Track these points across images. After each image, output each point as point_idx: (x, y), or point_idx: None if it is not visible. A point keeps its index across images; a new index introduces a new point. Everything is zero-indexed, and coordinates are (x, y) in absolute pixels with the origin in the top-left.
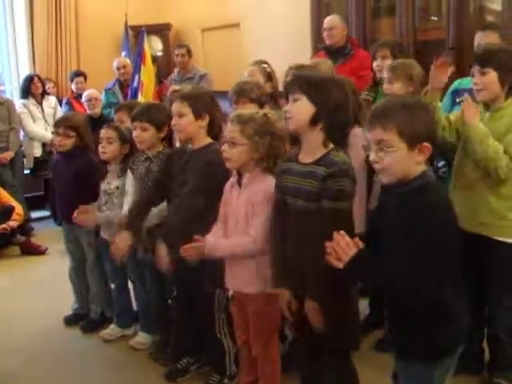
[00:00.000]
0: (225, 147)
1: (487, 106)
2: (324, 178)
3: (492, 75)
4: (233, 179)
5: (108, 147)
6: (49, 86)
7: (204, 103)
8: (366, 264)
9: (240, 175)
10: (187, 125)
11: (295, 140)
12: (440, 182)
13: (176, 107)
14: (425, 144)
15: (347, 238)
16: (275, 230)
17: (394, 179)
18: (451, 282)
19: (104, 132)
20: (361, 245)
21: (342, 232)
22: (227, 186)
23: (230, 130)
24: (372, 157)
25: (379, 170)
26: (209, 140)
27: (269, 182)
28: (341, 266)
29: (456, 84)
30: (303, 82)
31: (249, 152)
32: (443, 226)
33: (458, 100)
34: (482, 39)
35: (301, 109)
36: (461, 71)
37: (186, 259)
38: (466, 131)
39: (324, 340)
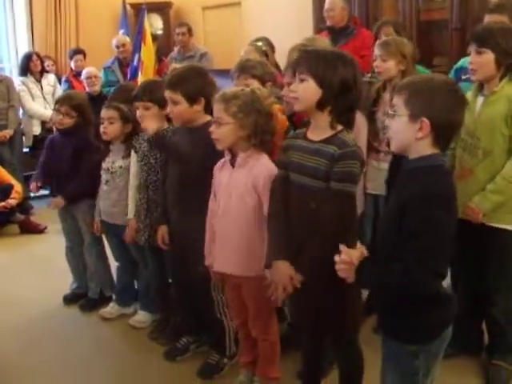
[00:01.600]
0: (212, 128)
1: (481, 87)
2: (335, 157)
3: (489, 56)
4: (225, 159)
5: (109, 127)
6: (48, 63)
7: (196, 86)
8: (371, 273)
9: (233, 155)
10: (181, 112)
11: (306, 123)
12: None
13: (168, 95)
14: (423, 119)
15: (350, 252)
16: (276, 205)
17: (397, 148)
18: (443, 269)
19: (105, 112)
20: (364, 252)
21: (343, 248)
22: (216, 167)
23: (215, 109)
24: (387, 121)
25: (389, 138)
26: (207, 118)
27: (266, 164)
28: (351, 280)
29: (461, 62)
30: (310, 60)
31: (235, 130)
32: (441, 213)
33: (463, 77)
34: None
35: (307, 91)
36: (465, 53)
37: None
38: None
39: (324, 330)
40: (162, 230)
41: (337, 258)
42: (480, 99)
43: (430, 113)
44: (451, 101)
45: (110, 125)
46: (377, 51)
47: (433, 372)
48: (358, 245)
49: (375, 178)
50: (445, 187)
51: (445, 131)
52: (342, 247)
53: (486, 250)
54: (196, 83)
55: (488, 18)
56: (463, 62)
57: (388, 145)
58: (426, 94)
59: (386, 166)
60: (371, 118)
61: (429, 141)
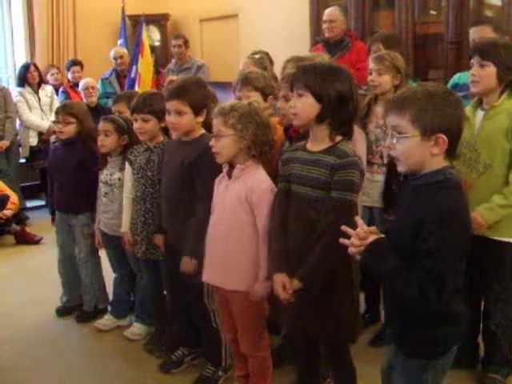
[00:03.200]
0: (212, 142)
1: (480, 101)
2: (335, 167)
3: (491, 69)
4: (223, 171)
5: (106, 140)
6: (53, 72)
7: (201, 97)
8: (382, 253)
9: (231, 166)
10: (187, 123)
11: (304, 135)
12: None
13: (174, 106)
14: (440, 136)
15: (366, 228)
16: (277, 217)
17: (408, 169)
18: (456, 285)
19: (101, 125)
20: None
21: (359, 222)
22: (217, 180)
23: (214, 123)
24: (387, 142)
25: (394, 158)
26: (202, 131)
27: (261, 177)
28: (358, 258)
29: (456, 78)
30: (307, 76)
31: (235, 142)
32: (458, 230)
33: (459, 94)
34: (476, 34)
35: (306, 106)
36: (460, 66)
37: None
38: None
39: (320, 336)
40: (159, 240)
41: (352, 231)
42: (480, 113)
43: (445, 127)
44: (458, 109)
45: (106, 137)
46: (372, 65)
47: None
48: (374, 228)
49: (369, 191)
50: (460, 202)
51: (457, 141)
52: (359, 220)
53: (483, 262)
54: (201, 94)
55: (473, 31)
56: (458, 78)
57: (381, 156)
58: (435, 109)
59: (380, 177)
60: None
61: (442, 154)
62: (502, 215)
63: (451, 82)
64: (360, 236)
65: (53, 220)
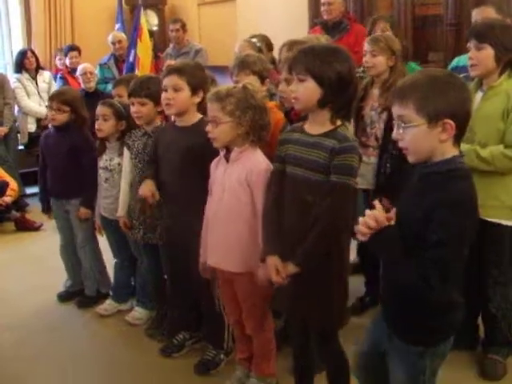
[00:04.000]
0: (209, 128)
1: (480, 83)
2: (335, 151)
3: (488, 51)
4: (220, 155)
5: (104, 124)
6: (60, 57)
7: (200, 78)
8: (390, 240)
9: (228, 150)
10: (183, 100)
11: (305, 118)
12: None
13: (172, 81)
14: (447, 121)
15: (383, 213)
16: (270, 199)
17: (418, 158)
18: (458, 274)
19: (99, 109)
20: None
21: (379, 206)
22: (213, 163)
23: (210, 109)
24: (394, 134)
25: (403, 150)
26: (198, 115)
27: (260, 159)
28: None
29: (455, 62)
30: (306, 59)
31: (233, 128)
32: (467, 220)
33: None
34: (479, 15)
35: (308, 91)
36: (460, 48)
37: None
38: None
39: (310, 319)
40: (148, 184)
41: (372, 214)
42: (479, 94)
43: (451, 111)
44: (462, 92)
45: (104, 122)
46: (367, 46)
47: (438, 372)
48: (393, 212)
49: (364, 173)
50: (471, 192)
51: (465, 125)
52: (377, 204)
53: (482, 245)
54: (200, 75)
55: (476, 12)
56: (457, 61)
57: (376, 139)
58: (438, 94)
59: (374, 160)
60: (359, 114)
61: (451, 140)
62: (472, 163)
63: (453, 64)
64: (379, 220)
65: (43, 209)
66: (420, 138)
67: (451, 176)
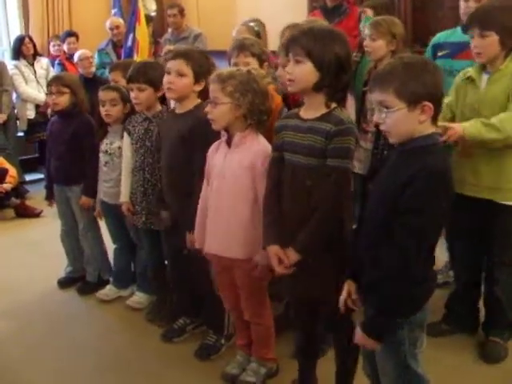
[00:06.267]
0: (208, 108)
1: (483, 66)
2: (330, 134)
3: (493, 38)
4: (219, 141)
5: (112, 110)
6: (54, 43)
7: (205, 69)
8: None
9: (230, 135)
10: (185, 86)
11: (300, 103)
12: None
13: (176, 65)
14: (426, 103)
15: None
16: (271, 187)
17: (399, 139)
18: (433, 244)
19: (105, 94)
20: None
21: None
22: (211, 148)
23: (211, 89)
24: (375, 118)
25: (384, 132)
26: (198, 100)
27: (264, 144)
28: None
29: (437, 38)
30: (305, 38)
31: (231, 110)
32: (443, 190)
33: (439, 54)
34: None
35: (304, 73)
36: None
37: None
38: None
39: (320, 303)
40: (163, 215)
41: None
42: (484, 77)
43: (428, 94)
44: (437, 75)
45: (112, 107)
46: (367, 31)
47: (420, 343)
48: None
49: (363, 159)
50: (445, 165)
51: (439, 105)
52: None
53: (489, 226)
54: (206, 64)
55: None
56: (439, 37)
57: (376, 126)
58: (415, 79)
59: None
60: (363, 99)
61: (429, 119)
62: (480, 133)
63: (434, 41)
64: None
65: (47, 196)
66: (401, 120)
67: (428, 151)
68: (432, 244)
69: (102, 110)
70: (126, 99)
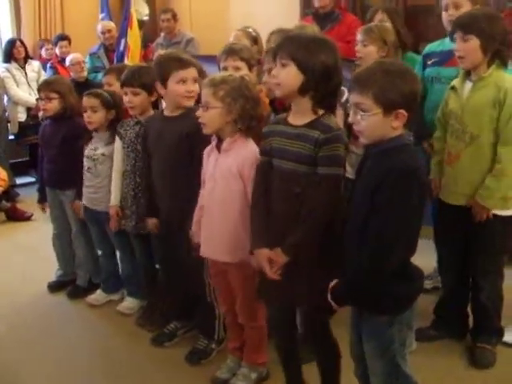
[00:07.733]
0: (199, 112)
1: (468, 72)
2: (319, 142)
3: (474, 42)
4: (212, 144)
5: (93, 116)
6: (47, 47)
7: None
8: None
9: (220, 140)
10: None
11: (287, 108)
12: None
13: (194, 72)
14: (400, 111)
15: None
16: (259, 192)
17: (370, 141)
18: (410, 244)
19: (86, 100)
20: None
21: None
22: (205, 152)
23: (203, 93)
24: (350, 118)
25: (357, 132)
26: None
27: (252, 149)
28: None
29: (428, 48)
30: (291, 45)
31: (222, 115)
32: (416, 189)
33: (429, 63)
34: None
35: (289, 76)
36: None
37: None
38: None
39: (301, 301)
40: (152, 223)
41: None
42: (468, 84)
43: (404, 102)
44: (414, 84)
45: (93, 113)
46: (359, 36)
47: (408, 343)
48: None
49: (355, 164)
50: (417, 163)
51: (413, 113)
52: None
53: (475, 234)
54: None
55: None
56: (429, 47)
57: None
58: (394, 87)
59: None
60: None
61: (401, 125)
62: (496, 191)
63: (425, 51)
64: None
65: (39, 200)
66: (376, 124)
67: (400, 150)
68: (408, 240)
69: (85, 117)
70: (109, 105)
